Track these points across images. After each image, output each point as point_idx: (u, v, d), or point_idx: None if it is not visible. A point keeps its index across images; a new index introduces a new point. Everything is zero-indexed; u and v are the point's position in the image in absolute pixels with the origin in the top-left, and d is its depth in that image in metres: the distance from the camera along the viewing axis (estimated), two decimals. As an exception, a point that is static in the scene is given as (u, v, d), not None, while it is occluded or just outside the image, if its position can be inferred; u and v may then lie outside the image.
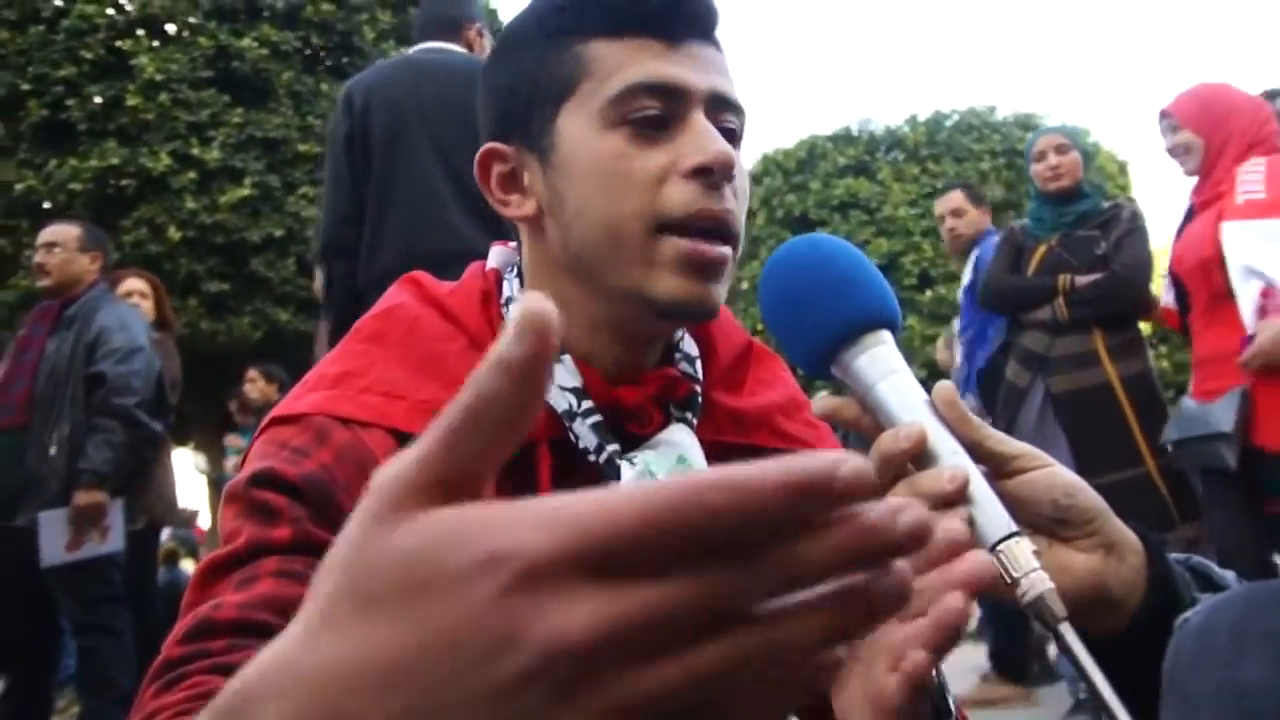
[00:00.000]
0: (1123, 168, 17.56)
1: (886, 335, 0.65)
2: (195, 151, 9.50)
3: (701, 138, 0.75)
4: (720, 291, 0.78)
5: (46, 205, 9.31)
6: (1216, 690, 0.50)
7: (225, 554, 0.69)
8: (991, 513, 0.58)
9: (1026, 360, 3.10)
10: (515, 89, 0.80)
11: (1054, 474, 0.62)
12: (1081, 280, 3.04)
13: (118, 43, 9.74)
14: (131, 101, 9.44)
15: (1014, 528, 0.58)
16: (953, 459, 0.60)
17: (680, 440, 0.80)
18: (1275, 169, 2.67)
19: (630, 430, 0.80)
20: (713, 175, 0.74)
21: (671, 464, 0.78)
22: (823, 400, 0.66)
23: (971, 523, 0.58)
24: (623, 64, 0.75)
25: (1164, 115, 2.89)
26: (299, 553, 0.69)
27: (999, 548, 0.57)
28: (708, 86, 0.77)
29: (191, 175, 9.46)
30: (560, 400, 0.78)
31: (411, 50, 2.71)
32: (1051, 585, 0.56)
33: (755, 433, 0.86)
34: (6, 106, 9.44)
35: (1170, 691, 0.53)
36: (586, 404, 0.78)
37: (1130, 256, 3.03)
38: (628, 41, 0.76)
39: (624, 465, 0.77)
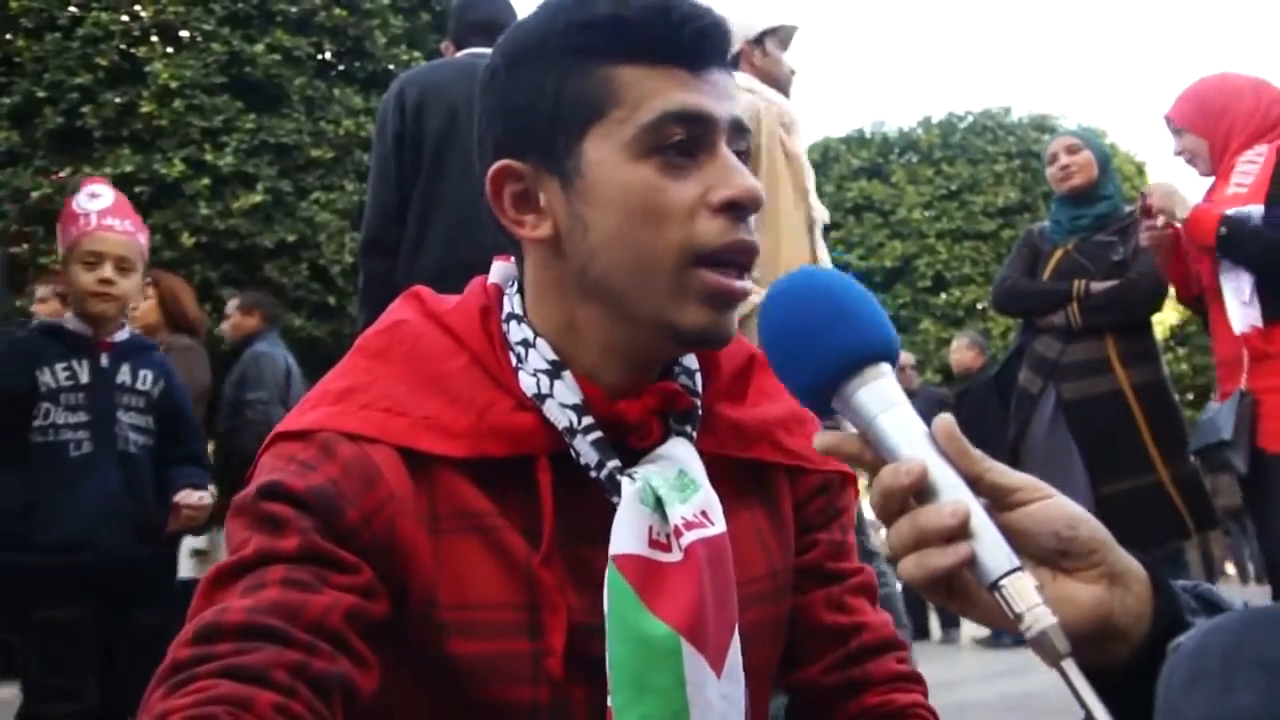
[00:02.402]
0: (1140, 169, 17.47)
1: (886, 368, 0.64)
2: (208, 157, 9.56)
3: (729, 172, 0.76)
4: (736, 320, 0.80)
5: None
6: (1208, 717, 0.50)
7: (232, 562, 0.70)
8: (993, 547, 0.58)
9: (1038, 366, 3.08)
10: (534, 107, 0.79)
11: (1056, 505, 0.62)
12: (1096, 286, 3.02)
13: (132, 50, 9.81)
14: (146, 108, 9.51)
15: (1016, 562, 0.57)
16: (953, 493, 0.60)
17: (680, 454, 0.80)
18: (1270, 160, 2.56)
19: (629, 443, 0.80)
20: (744, 210, 0.76)
21: (672, 479, 0.78)
22: (824, 436, 0.65)
23: (973, 558, 0.58)
24: (653, 92, 0.76)
25: (1167, 120, 2.82)
26: (306, 562, 0.69)
27: (1001, 583, 0.57)
28: (728, 114, 0.78)
29: (205, 181, 9.51)
30: (561, 417, 0.78)
31: (460, 54, 2.67)
32: (1055, 620, 0.55)
33: (756, 446, 0.87)
34: (23, 114, 9.53)
35: (1162, 717, 0.53)
36: (587, 420, 0.78)
37: (1146, 264, 2.96)
38: (657, 69, 0.76)
39: (625, 481, 0.77)
